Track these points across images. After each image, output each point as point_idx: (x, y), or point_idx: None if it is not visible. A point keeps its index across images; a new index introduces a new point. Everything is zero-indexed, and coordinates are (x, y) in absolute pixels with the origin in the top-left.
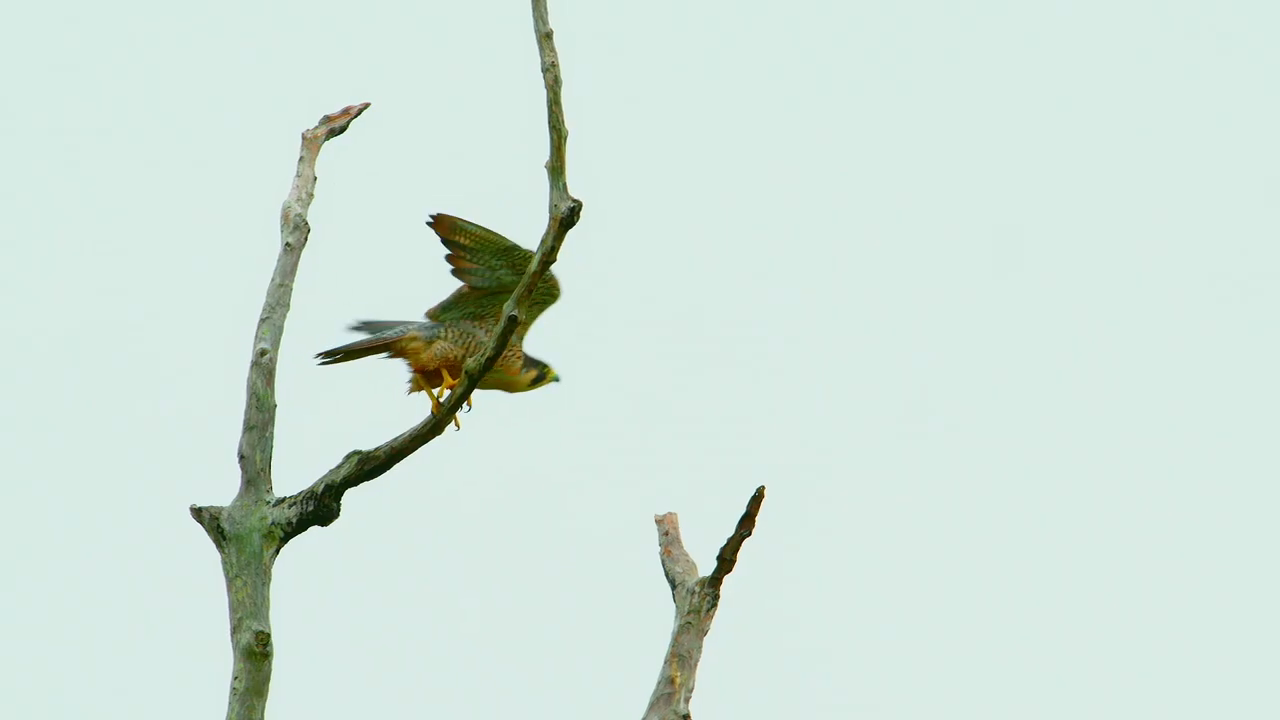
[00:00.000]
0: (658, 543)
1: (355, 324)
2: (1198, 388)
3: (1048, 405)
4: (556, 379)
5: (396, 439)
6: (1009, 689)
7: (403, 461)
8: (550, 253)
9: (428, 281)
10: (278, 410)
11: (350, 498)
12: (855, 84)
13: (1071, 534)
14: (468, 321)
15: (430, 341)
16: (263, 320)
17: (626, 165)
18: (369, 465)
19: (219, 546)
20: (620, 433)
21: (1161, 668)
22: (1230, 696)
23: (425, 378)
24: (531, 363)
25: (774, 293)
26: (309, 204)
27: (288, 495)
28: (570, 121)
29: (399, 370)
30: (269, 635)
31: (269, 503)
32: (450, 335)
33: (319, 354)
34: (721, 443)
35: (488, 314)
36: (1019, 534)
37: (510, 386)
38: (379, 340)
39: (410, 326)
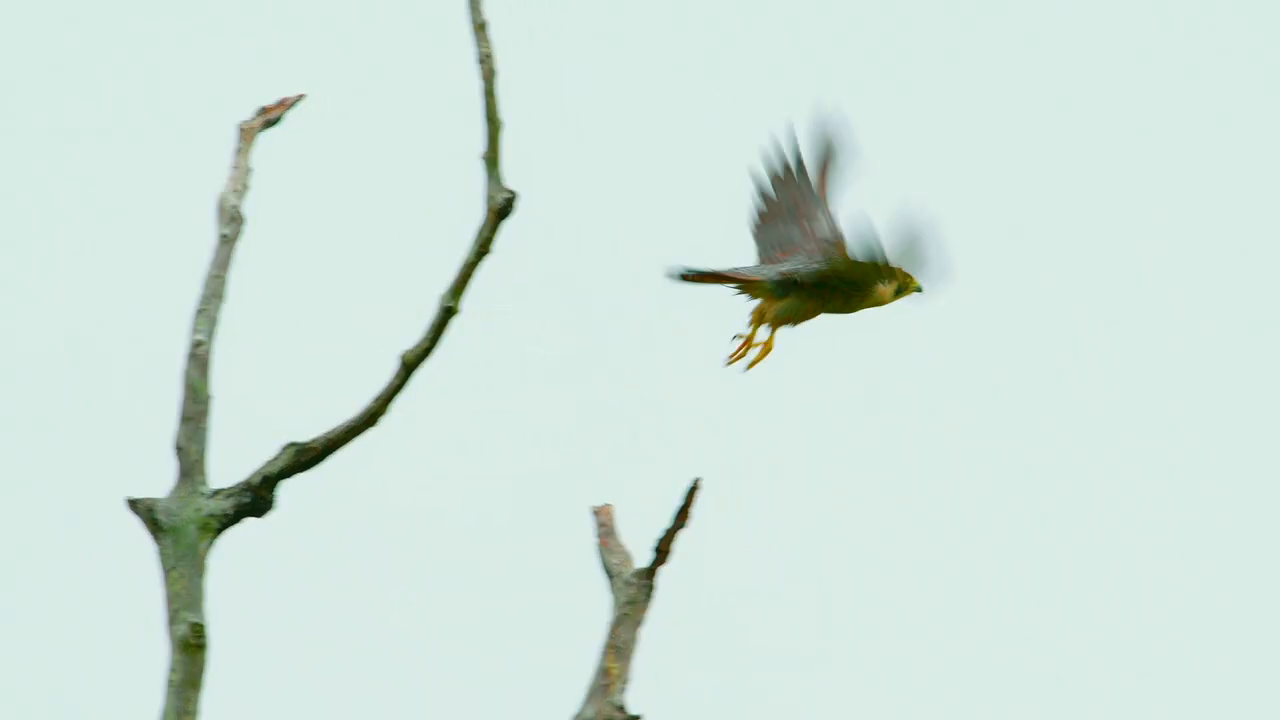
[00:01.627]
0: (594, 534)
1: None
2: (1184, 382)
3: (1007, 394)
4: (919, 289)
5: (332, 430)
6: (958, 681)
7: (338, 452)
8: (486, 243)
9: (366, 272)
10: (213, 402)
11: (285, 489)
12: (806, 75)
13: (1035, 528)
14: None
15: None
16: (198, 312)
17: (564, 156)
18: (305, 456)
19: (155, 538)
20: (557, 424)
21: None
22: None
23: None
24: (890, 274)
25: None
26: (244, 195)
27: (224, 487)
28: (506, 112)
29: (337, 360)
30: (204, 627)
31: (205, 494)
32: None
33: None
34: (660, 434)
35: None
36: (968, 526)
37: (878, 303)
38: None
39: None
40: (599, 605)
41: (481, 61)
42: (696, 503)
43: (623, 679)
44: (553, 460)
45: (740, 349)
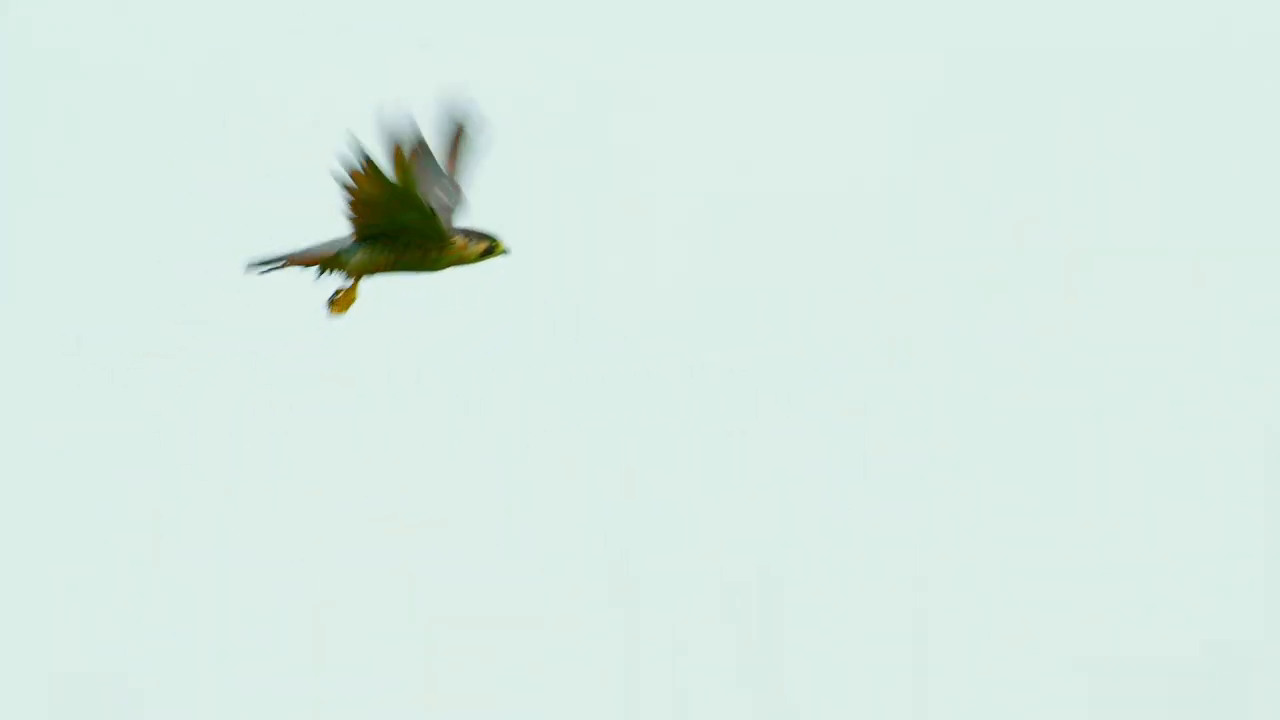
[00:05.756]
0: None
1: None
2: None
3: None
4: (505, 251)
5: None
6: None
7: None
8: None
9: None
10: None
11: None
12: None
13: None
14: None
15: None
16: None
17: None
18: None
19: None
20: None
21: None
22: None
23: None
24: (478, 236)
25: None
26: None
27: None
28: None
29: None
30: None
31: None
32: (380, 244)
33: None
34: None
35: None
36: None
37: (462, 261)
38: (314, 255)
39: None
40: None
41: None
42: None
43: None
44: None
45: (338, 299)
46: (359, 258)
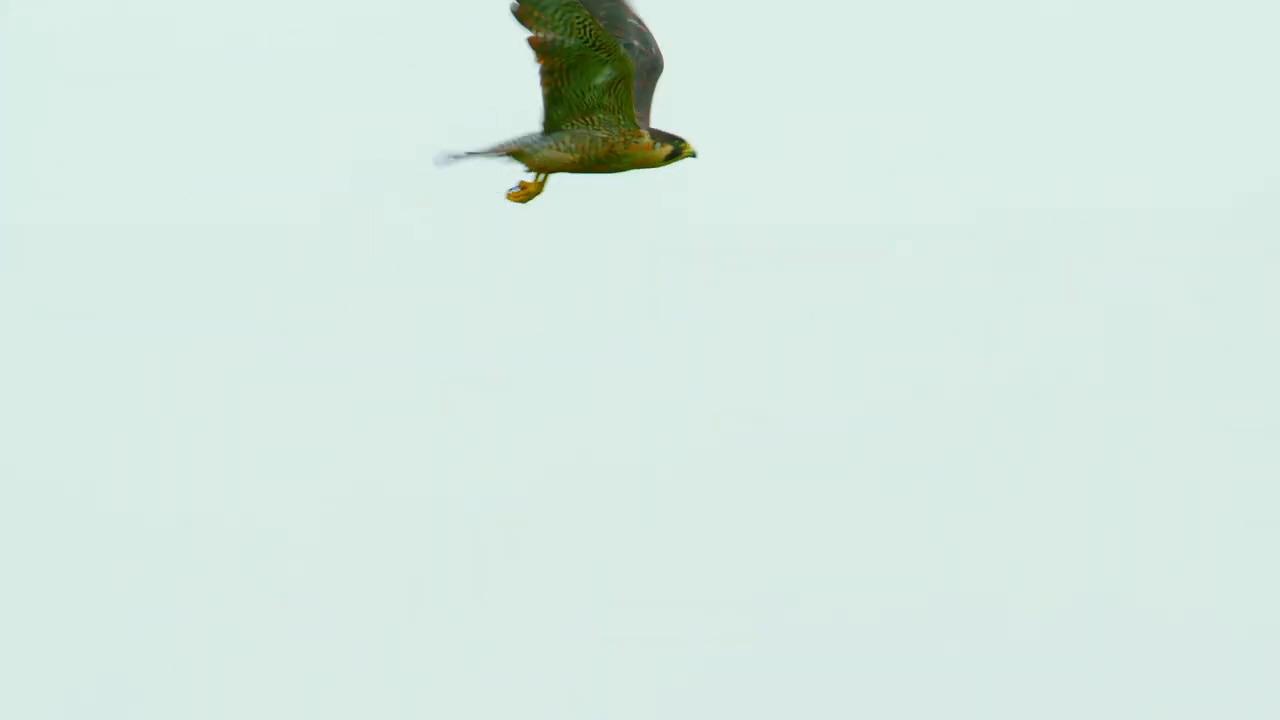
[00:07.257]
0: None
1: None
2: None
3: None
4: (693, 154)
5: None
6: None
7: None
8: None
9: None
10: None
11: None
12: None
13: None
14: (579, 126)
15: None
16: None
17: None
18: None
19: None
20: None
21: None
22: None
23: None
24: (665, 138)
25: None
26: None
27: None
28: None
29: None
30: None
31: None
32: (566, 141)
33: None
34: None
35: (587, 108)
36: None
37: (647, 162)
38: (505, 148)
39: (533, 137)
40: None
41: None
42: None
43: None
44: None
45: (518, 190)
46: (545, 151)
